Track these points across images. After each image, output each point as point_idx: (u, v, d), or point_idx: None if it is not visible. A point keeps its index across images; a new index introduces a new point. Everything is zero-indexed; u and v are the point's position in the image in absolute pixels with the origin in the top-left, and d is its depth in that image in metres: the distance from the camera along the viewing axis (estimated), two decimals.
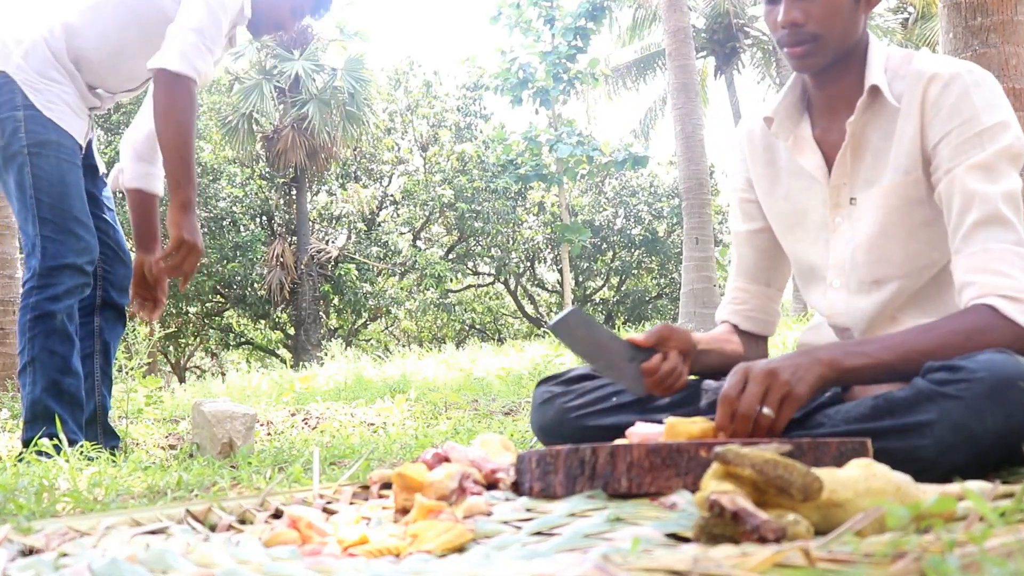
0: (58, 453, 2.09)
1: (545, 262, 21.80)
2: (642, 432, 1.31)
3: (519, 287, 21.79)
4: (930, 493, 0.97)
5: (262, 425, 3.70)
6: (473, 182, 18.54)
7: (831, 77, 1.55)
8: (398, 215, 20.13)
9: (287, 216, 18.83)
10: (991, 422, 1.19)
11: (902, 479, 0.94)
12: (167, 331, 16.61)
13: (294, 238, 17.96)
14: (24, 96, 2.38)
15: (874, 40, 1.55)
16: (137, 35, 2.45)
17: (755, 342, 1.78)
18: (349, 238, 19.63)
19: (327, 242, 19.40)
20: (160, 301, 2.74)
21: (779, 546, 0.79)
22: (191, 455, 2.59)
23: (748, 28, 20.06)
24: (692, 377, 1.66)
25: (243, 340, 19.92)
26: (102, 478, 1.76)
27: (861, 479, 0.93)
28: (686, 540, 0.91)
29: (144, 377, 3.68)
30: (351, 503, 1.28)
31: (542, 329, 18.14)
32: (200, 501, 1.25)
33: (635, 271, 21.28)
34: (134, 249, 2.77)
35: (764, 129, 1.68)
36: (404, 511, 1.13)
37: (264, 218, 18.93)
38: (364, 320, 20.53)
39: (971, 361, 1.23)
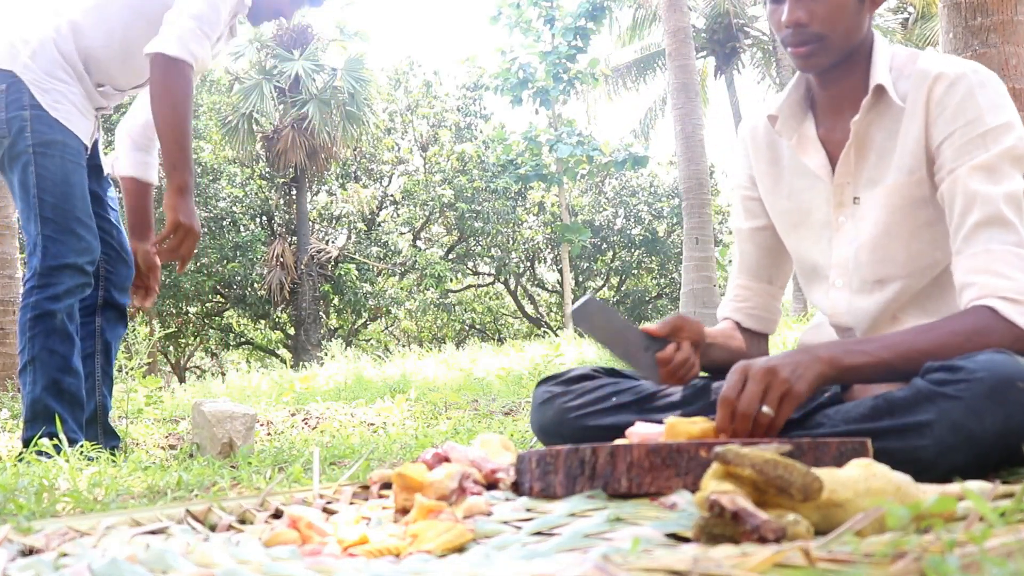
0: (58, 453, 2.09)
1: (545, 262, 21.80)
2: (642, 432, 1.31)
3: (519, 287, 21.80)
4: (930, 493, 0.97)
5: (262, 425, 3.70)
6: (473, 182, 18.54)
7: (836, 76, 1.55)
8: (398, 215, 20.13)
9: (287, 216, 18.83)
10: (990, 422, 1.19)
11: (902, 479, 0.94)
12: (167, 331, 16.62)
13: (294, 238, 17.97)
14: (31, 96, 2.39)
15: (879, 39, 1.55)
16: (143, 30, 2.45)
17: (757, 340, 1.78)
18: (349, 238, 19.63)
19: (327, 242, 19.40)
20: (152, 289, 2.75)
21: (779, 546, 0.79)
22: (191, 455, 2.59)
23: (748, 28, 20.06)
24: (703, 374, 1.66)
25: (243, 340, 19.92)
26: (102, 478, 1.76)
27: (861, 479, 0.93)
28: (686, 540, 0.91)
29: (144, 377, 3.68)
30: (351, 503, 1.28)
31: (542, 329, 18.14)
32: (200, 501, 1.25)
33: (635, 271, 21.28)
34: (128, 237, 2.78)
35: (767, 126, 1.67)
36: (404, 511, 1.13)
37: (264, 218, 18.93)
38: (364, 320, 20.53)
39: (970, 361, 1.23)
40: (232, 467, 2.10)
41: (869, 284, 1.56)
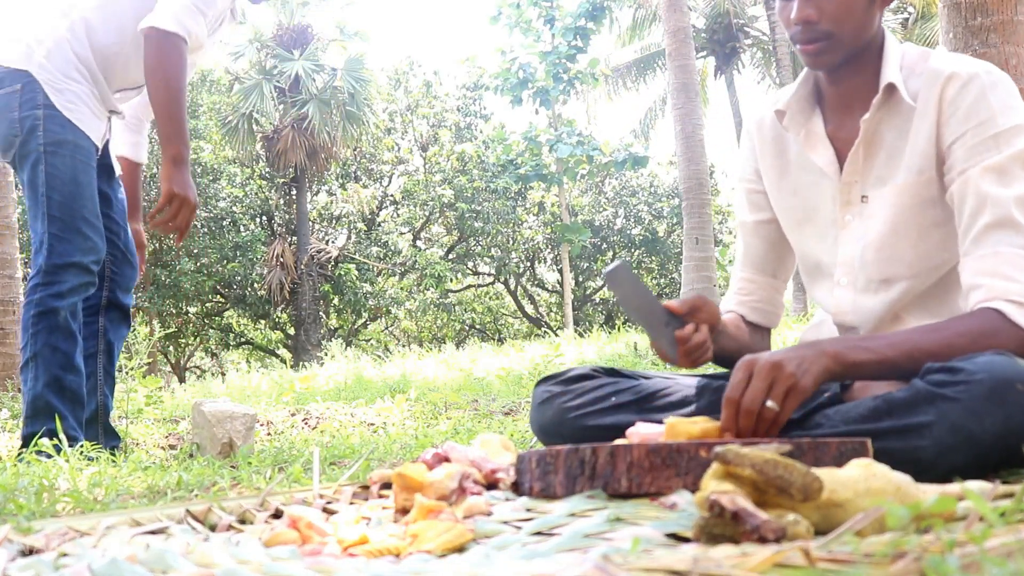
0: (58, 453, 2.10)
1: (545, 262, 21.80)
2: (642, 432, 1.31)
3: (519, 287, 21.80)
4: (930, 493, 0.97)
5: (262, 425, 3.70)
6: (473, 182, 18.55)
7: (845, 74, 1.54)
8: (398, 215, 20.13)
9: (287, 216, 18.84)
10: (990, 423, 1.18)
11: (902, 479, 0.94)
12: (167, 331, 16.63)
13: (294, 238, 17.97)
14: (45, 96, 2.40)
15: (890, 37, 1.54)
16: None
17: (759, 334, 1.77)
18: (349, 238, 19.63)
19: (327, 242, 19.40)
20: (138, 269, 2.76)
21: (779, 546, 0.79)
22: (191, 455, 2.59)
23: (748, 28, 20.07)
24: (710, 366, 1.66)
25: (243, 340, 19.92)
26: (102, 478, 1.76)
27: (861, 479, 0.93)
28: (686, 540, 0.91)
29: (144, 377, 3.68)
30: (351, 503, 1.28)
31: (542, 329, 18.14)
32: (200, 501, 1.25)
33: (635, 271, 21.26)
34: None
35: (774, 120, 1.66)
36: (404, 511, 1.13)
37: (264, 218, 18.94)
38: (364, 320, 20.53)
39: (970, 363, 1.23)
40: (232, 467, 2.10)
41: (875, 283, 1.55)
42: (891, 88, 1.50)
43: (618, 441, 1.28)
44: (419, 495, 1.11)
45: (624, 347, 7.69)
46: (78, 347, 2.41)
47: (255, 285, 17.62)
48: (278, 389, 5.93)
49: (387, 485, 1.32)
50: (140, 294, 15.51)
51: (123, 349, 3.43)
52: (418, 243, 20.39)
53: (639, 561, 0.76)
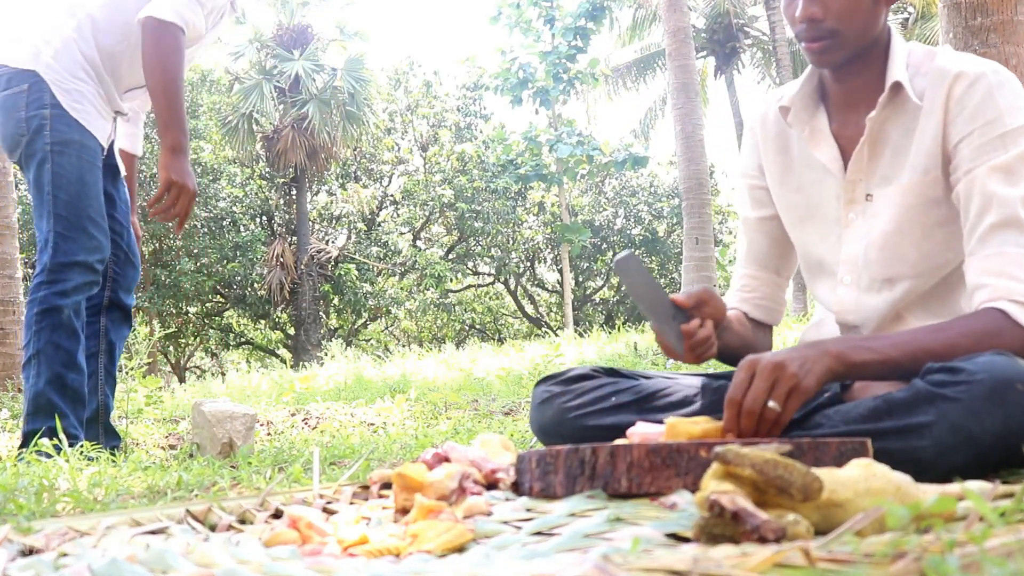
0: (58, 452, 2.10)
1: (545, 262, 21.80)
2: (643, 432, 1.31)
3: (519, 287, 21.80)
4: (930, 493, 0.97)
5: (262, 425, 3.70)
6: (473, 182, 18.55)
7: (850, 72, 1.53)
8: (398, 215, 20.13)
9: (287, 216, 18.84)
10: (990, 424, 1.18)
11: (902, 479, 0.94)
12: (167, 331, 16.62)
13: (294, 238, 17.97)
14: (52, 95, 2.42)
15: (896, 35, 1.53)
16: None
17: (762, 331, 1.77)
18: (349, 238, 19.63)
19: (327, 242, 19.40)
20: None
21: (779, 546, 0.79)
22: (191, 455, 2.59)
23: (748, 28, 20.07)
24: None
25: (243, 340, 19.92)
26: (102, 478, 1.76)
27: (861, 479, 0.93)
28: (686, 540, 0.91)
29: (144, 377, 3.68)
30: (351, 503, 1.28)
31: (542, 329, 18.14)
32: (200, 501, 1.25)
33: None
34: None
35: (778, 116, 1.65)
36: (404, 511, 1.13)
37: (264, 218, 18.94)
38: (364, 320, 20.53)
39: (970, 363, 1.23)
40: (232, 467, 2.10)
41: (878, 282, 1.55)
42: (897, 87, 1.49)
43: (618, 441, 1.28)
44: (419, 495, 1.11)
45: (624, 347, 7.69)
46: (81, 346, 2.42)
47: (255, 285, 17.62)
48: (278, 389, 5.93)
49: (387, 485, 1.32)
50: (140, 294, 15.50)
51: (123, 349, 3.43)
52: (418, 243, 20.39)
53: (639, 561, 0.76)
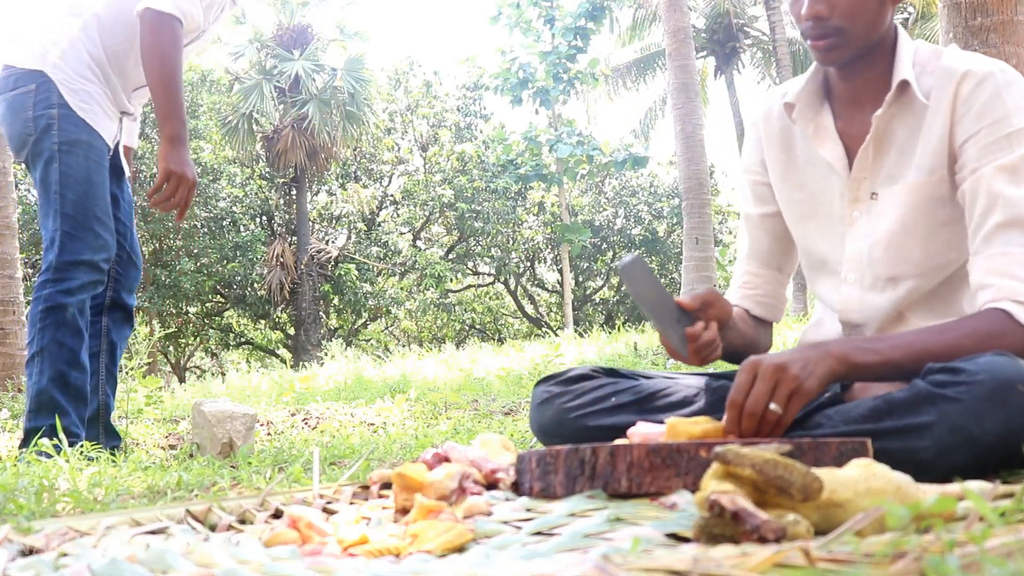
0: (58, 452, 2.10)
1: (545, 262, 21.80)
2: (643, 432, 1.31)
3: (519, 287, 21.80)
4: (930, 493, 0.97)
5: (262, 425, 3.70)
6: (473, 182, 18.55)
7: (856, 70, 1.53)
8: (398, 215, 20.13)
9: (287, 216, 18.84)
10: (990, 424, 1.18)
11: (902, 479, 0.94)
12: (167, 331, 16.62)
13: (294, 238, 17.97)
14: (60, 95, 2.43)
15: (903, 34, 1.53)
16: None
17: (764, 328, 1.76)
18: (349, 238, 19.63)
19: (327, 242, 19.40)
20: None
21: (779, 546, 0.79)
22: (191, 455, 2.59)
23: (748, 28, 20.07)
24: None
25: (243, 340, 19.92)
26: (102, 478, 1.76)
27: (861, 479, 0.93)
28: (686, 540, 0.91)
29: (144, 377, 3.68)
30: (351, 503, 1.28)
31: (542, 329, 18.14)
32: (200, 501, 1.25)
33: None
34: None
35: (782, 112, 1.64)
36: (404, 511, 1.13)
37: (264, 218, 18.94)
38: (364, 320, 20.53)
39: (971, 363, 1.23)
40: (232, 467, 2.10)
41: (882, 281, 1.54)
42: (904, 85, 1.48)
43: (619, 441, 1.28)
44: (419, 495, 1.11)
45: (624, 347, 7.69)
46: (84, 344, 2.43)
47: (255, 285, 17.62)
48: (278, 389, 5.93)
49: (387, 485, 1.32)
50: (140, 294, 15.50)
51: (125, 349, 3.43)
52: (418, 243, 20.39)
53: (639, 561, 0.76)
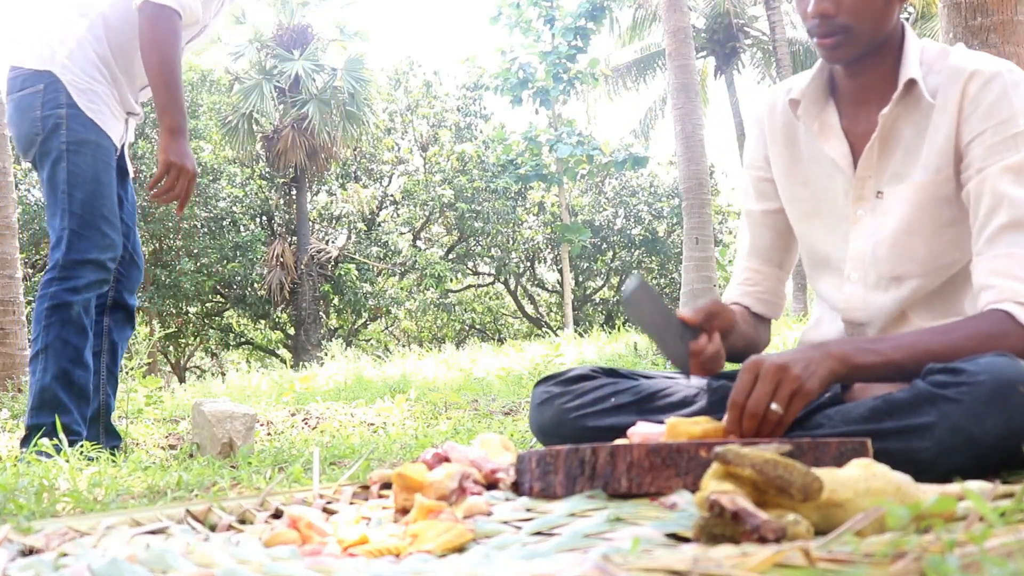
0: (58, 452, 2.10)
1: (545, 262, 21.80)
2: (643, 432, 1.31)
3: (519, 287, 21.79)
4: (930, 493, 0.97)
5: (262, 425, 3.70)
6: (473, 182, 18.54)
7: (863, 68, 1.52)
8: (398, 215, 20.13)
9: (287, 216, 18.83)
10: (991, 425, 1.18)
11: (902, 479, 0.94)
12: (167, 331, 16.61)
13: (294, 238, 17.97)
14: (68, 95, 2.44)
15: (910, 32, 1.52)
16: None
17: (763, 325, 1.75)
18: (349, 238, 19.63)
19: (327, 242, 19.40)
20: None
21: (779, 546, 0.79)
22: (191, 455, 2.59)
23: (748, 28, 20.06)
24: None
25: (243, 340, 19.92)
26: (102, 478, 1.76)
27: (861, 479, 0.93)
28: (686, 540, 0.91)
29: (144, 377, 3.68)
30: (351, 503, 1.28)
31: (542, 329, 18.14)
32: (200, 501, 1.25)
33: (635, 271, 21.27)
34: None
35: (786, 108, 1.63)
36: (404, 511, 1.13)
37: (264, 218, 18.93)
38: (364, 320, 20.52)
39: (972, 364, 1.23)
40: (232, 467, 2.10)
41: (885, 280, 1.54)
42: (911, 84, 1.48)
43: (619, 441, 1.28)
44: (419, 495, 1.11)
45: (624, 347, 7.69)
46: (89, 343, 2.44)
47: (255, 285, 17.61)
48: (278, 389, 5.93)
49: (387, 485, 1.32)
50: (140, 294, 15.50)
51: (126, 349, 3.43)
52: (418, 243, 20.39)
53: (639, 561, 0.76)
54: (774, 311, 1.76)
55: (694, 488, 1.07)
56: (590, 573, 0.72)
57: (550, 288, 22.77)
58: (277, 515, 1.21)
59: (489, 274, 21.37)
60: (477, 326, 21.87)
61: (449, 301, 19.87)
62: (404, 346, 18.18)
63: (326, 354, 11.16)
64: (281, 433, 3.51)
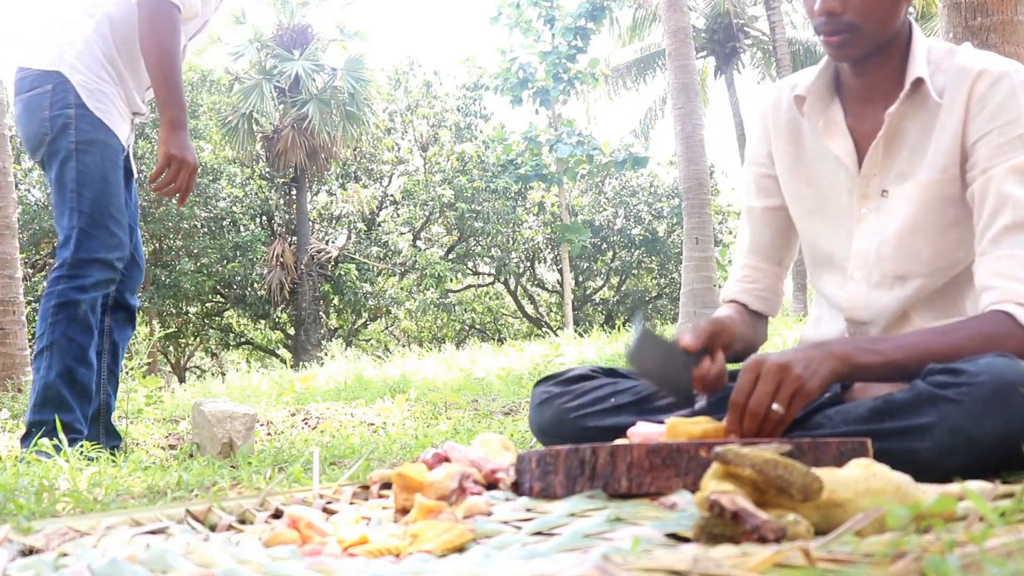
0: (58, 452, 2.10)
1: (545, 262, 21.80)
2: (643, 432, 1.31)
3: (519, 287, 21.79)
4: (930, 493, 0.97)
5: (262, 425, 3.70)
6: (473, 182, 18.54)
7: (870, 66, 1.51)
8: (398, 215, 20.13)
9: (287, 216, 18.83)
10: (990, 426, 1.18)
11: (902, 479, 0.94)
12: (167, 331, 16.61)
13: (294, 238, 17.96)
14: (77, 95, 2.45)
15: (917, 31, 1.51)
16: None
17: (760, 323, 1.75)
18: (349, 238, 19.63)
19: (327, 242, 19.39)
20: None
21: (779, 546, 0.79)
22: (191, 455, 2.59)
23: (748, 28, 20.06)
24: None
25: (243, 340, 19.92)
26: (102, 478, 1.76)
27: (861, 479, 0.93)
28: (686, 540, 0.91)
29: (144, 377, 3.68)
30: (351, 503, 1.28)
31: (542, 329, 18.14)
32: (200, 501, 1.25)
33: (635, 271, 21.28)
34: None
35: (791, 104, 1.63)
36: (404, 511, 1.13)
37: (264, 218, 18.93)
38: (364, 320, 20.52)
39: (972, 365, 1.23)
40: (232, 467, 2.10)
41: (889, 279, 1.53)
42: (918, 83, 1.47)
43: (619, 441, 1.28)
44: (419, 495, 1.11)
45: (624, 347, 7.67)
46: (93, 342, 2.45)
47: (255, 285, 17.61)
48: (278, 389, 5.93)
49: (387, 485, 1.32)
50: (140, 294, 15.49)
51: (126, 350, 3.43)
52: (418, 243, 20.38)
53: (639, 561, 0.76)
54: (772, 308, 1.76)
55: (694, 488, 1.07)
56: (590, 573, 0.72)
57: (550, 288, 22.77)
58: (277, 515, 1.21)
59: (489, 274, 21.37)
60: (477, 326, 21.87)
61: (449, 301, 19.87)
62: (404, 346, 18.17)
63: (326, 354, 11.16)
64: (281, 433, 3.51)
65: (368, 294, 17.86)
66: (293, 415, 4.01)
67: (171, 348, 18.72)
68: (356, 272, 17.91)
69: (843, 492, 0.91)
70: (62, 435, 2.19)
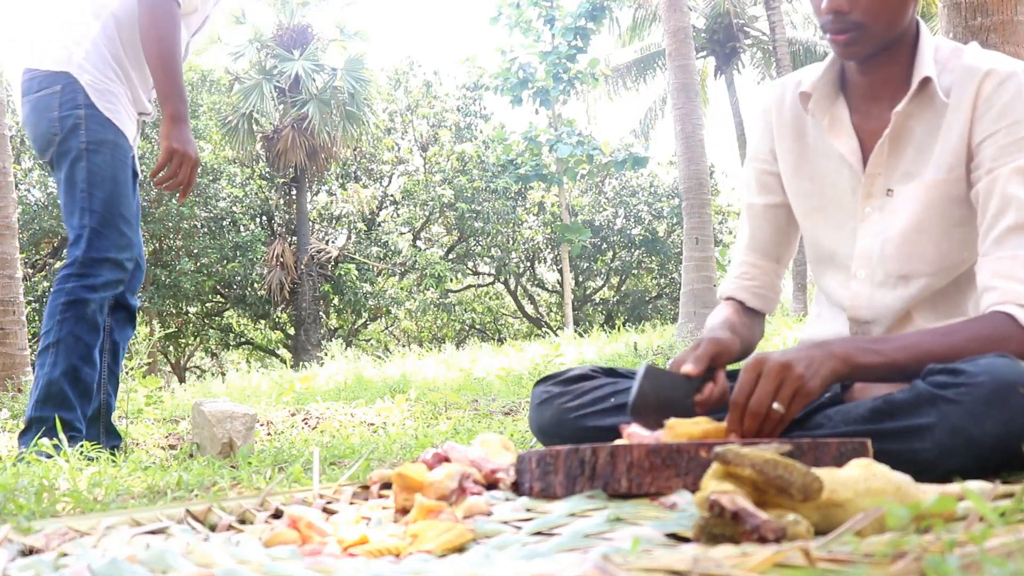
0: (58, 452, 2.10)
1: (545, 262, 21.80)
2: (642, 432, 1.31)
3: (519, 287, 21.79)
4: (930, 493, 0.97)
5: (262, 425, 3.70)
6: (473, 182, 18.54)
7: (876, 64, 1.51)
8: (398, 215, 20.13)
9: (287, 216, 18.83)
10: (990, 426, 1.18)
11: (902, 479, 0.94)
12: (167, 331, 16.61)
13: (294, 238, 17.96)
14: (86, 96, 2.46)
15: (925, 30, 1.51)
16: None
17: (757, 320, 1.74)
18: (349, 238, 19.62)
19: (327, 242, 19.39)
20: None
21: (779, 546, 0.79)
22: (191, 455, 2.59)
23: (748, 28, 20.05)
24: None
25: (243, 340, 19.92)
26: (102, 478, 1.76)
27: (861, 479, 0.93)
28: (686, 540, 0.91)
29: (144, 377, 3.68)
30: (351, 503, 1.28)
31: (542, 329, 18.14)
32: (200, 501, 1.25)
33: (635, 271, 21.28)
34: None
35: (795, 101, 1.62)
36: (404, 511, 1.13)
37: (264, 218, 18.93)
38: (364, 320, 20.52)
39: (972, 365, 1.23)
40: (232, 467, 2.10)
41: (893, 279, 1.53)
42: (926, 82, 1.47)
43: (618, 441, 1.28)
44: (419, 495, 1.11)
45: (624, 347, 7.69)
46: (99, 342, 2.46)
47: (255, 285, 17.61)
48: (278, 389, 5.93)
49: (387, 485, 1.32)
50: (140, 294, 15.49)
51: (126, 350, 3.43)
52: (418, 243, 20.38)
53: (639, 561, 0.76)
54: (769, 306, 1.75)
55: (694, 488, 1.07)
56: (590, 573, 0.72)
57: (550, 288, 22.77)
58: (277, 515, 1.21)
59: (489, 274, 21.37)
60: (477, 326, 21.87)
61: (449, 301, 19.87)
62: (404, 346, 18.17)
63: (326, 354, 11.16)
64: (281, 433, 3.51)
65: (368, 294, 17.86)
66: (293, 415, 4.01)
67: (171, 348, 18.72)
68: (356, 272, 17.91)
69: (843, 492, 0.91)
70: (62, 434, 2.19)
